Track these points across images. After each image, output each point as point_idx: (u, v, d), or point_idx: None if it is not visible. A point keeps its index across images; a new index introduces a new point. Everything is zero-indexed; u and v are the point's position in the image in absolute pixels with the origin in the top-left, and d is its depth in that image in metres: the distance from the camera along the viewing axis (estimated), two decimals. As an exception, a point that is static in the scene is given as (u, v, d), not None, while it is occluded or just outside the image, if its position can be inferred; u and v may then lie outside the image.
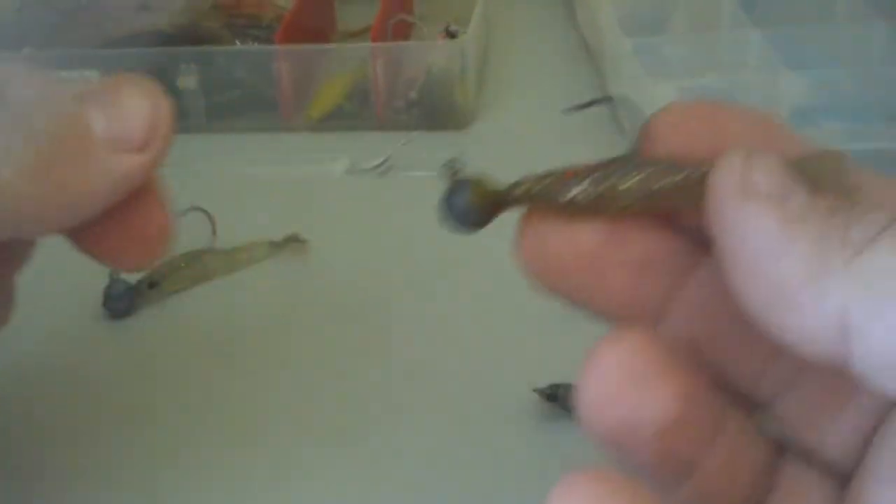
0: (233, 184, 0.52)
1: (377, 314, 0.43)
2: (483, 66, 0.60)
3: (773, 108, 0.49)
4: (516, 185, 0.22)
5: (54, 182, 0.25)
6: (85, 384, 0.40)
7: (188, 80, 0.55)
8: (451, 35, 0.57)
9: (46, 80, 0.26)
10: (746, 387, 0.22)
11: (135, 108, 0.26)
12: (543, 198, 0.22)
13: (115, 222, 0.27)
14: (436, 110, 0.55)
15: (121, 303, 0.42)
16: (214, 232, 0.45)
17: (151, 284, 0.43)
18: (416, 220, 0.49)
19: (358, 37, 0.61)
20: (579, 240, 0.21)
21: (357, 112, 0.56)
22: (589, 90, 0.58)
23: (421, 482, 0.35)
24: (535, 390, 0.37)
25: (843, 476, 0.21)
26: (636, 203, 0.21)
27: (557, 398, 0.37)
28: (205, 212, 0.45)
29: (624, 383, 0.19)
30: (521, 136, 0.54)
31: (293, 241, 0.46)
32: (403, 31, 0.59)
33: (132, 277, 0.43)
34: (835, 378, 0.19)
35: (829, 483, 0.21)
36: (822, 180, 0.19)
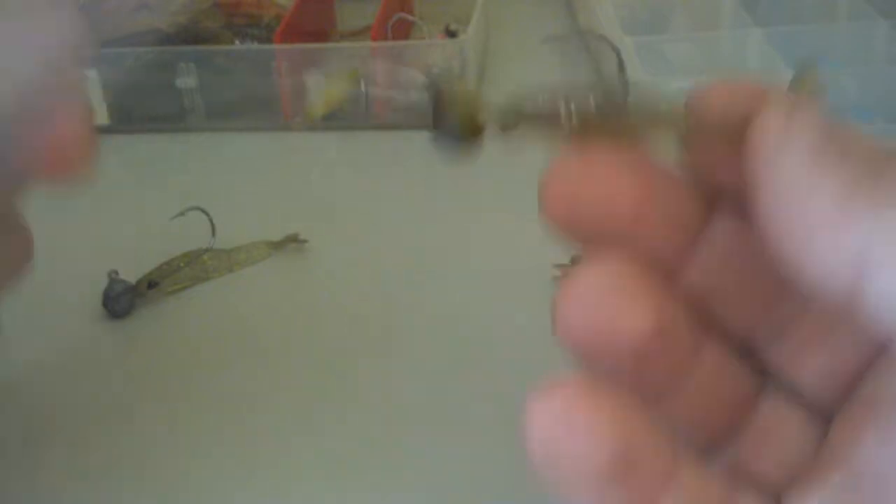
0: (233, 184, 0.52)
1: (376, 314, 0.43)
2: (483, 66, 0.60)
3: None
4: (509, 109, 0.22)
5: None
6: (85, 384, 0.40)
7: (187, 80, 0.55)
8: (451, 34, 0.57)
9: None
10: (741, 334, 0.22)
11: (46, 15, 0.26)
12: (534, 119, 0.22)
13: (27, 132, 0.26)
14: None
15: (120, 303, 0.42)
16: (214, 232, 0.44)
17: (151, 284, 0.43)
18: (417, 221, 0.49)
19: (358, 36, 0.61)
20: (618, 200, 0.21)
21: (357, 111, 0.56)
22: (589, 90, 0.58)
23: (421, 481, 0.35)
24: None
25: (821, 413, 0.22)
26: (624, 131, 0.21)
27: (558, 398, 0.36)
28: (204, 212, 0.45)
29: (602, 296, 0.20)
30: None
31: (293, 241, 0.46)
32: (403, 31, 0.59)
33: (132, 277, 0.43)
34: (825, 325, 0.20)
35: (806, 418, 0.22)
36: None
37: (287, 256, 0.46)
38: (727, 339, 0.22)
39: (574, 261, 0.43)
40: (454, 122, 0.23)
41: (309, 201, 0.50)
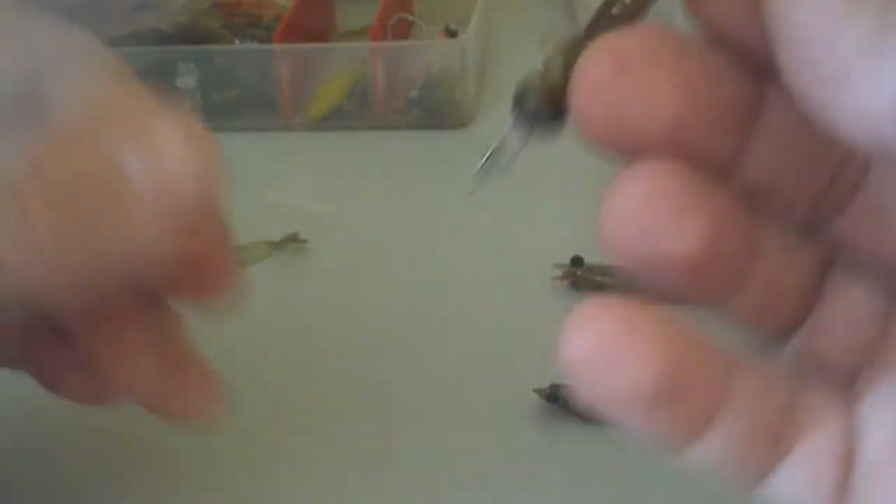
0: (233, 184, 0.52)
1: (376, 314, 0.43)
2: (483, 66, 0.60)
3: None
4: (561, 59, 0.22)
5: (68, 252, 0.22)
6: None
7: (187, 79, 0.55)
8: (451, 34, 0.57)
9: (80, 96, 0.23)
10: (803, 213, 0.21)
11: (180, 160, 0.24)
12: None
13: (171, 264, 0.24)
14: (436, 109, 0.55)
15: (120, 303, 0.42)
16: (214, 232, 0.44)
17: (151, 284, 0.43)
18: (416, 222, 0.49)
19: (358, 36, 0.61)
20: (661, 109, 0.19)
21: (357, 111, 0.56)
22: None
23: (420, 482, 0.35)
24: (535, 391, 0.37)
25: (891, 288, 0.20)
26: None
27: (558, 399, 0.36)
28: (204, 211, 0.45)
29: (648, 211, 0.18)
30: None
31: (293, 241, 0.46)
32: (403, 31, 0.59)
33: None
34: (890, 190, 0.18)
35: (876, 295, 0.21)
36: None
37: (287, 256, 0.46)
38: (786, 223, 0.21)
39: (574, 261, 0.43)
40: (537, 111, 0.22)
41: (309, 201, 0.50)
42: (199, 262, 0.26)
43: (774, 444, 0.19)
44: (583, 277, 0.42)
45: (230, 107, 0.56)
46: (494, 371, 0.39)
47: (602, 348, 0.18)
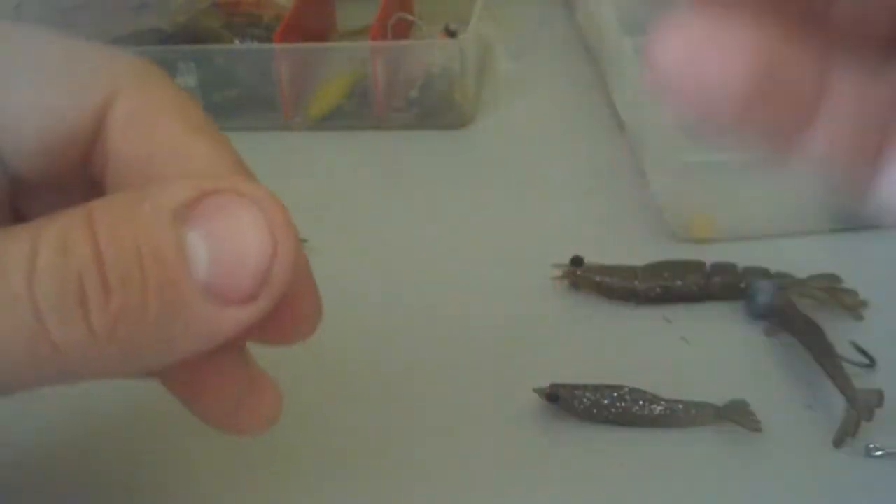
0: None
1: (376, 313, 0.43)
2: (483, 66, 0.60)
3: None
4: None
5: (125, 343, 0.21)
6: (86, 388, 0.40)
7: (187, 79, 0.55)
8: (451, 34, 0.57)
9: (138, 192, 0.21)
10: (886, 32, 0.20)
11: (248, 243, 0.22)
12: None
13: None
14: (435, 109, 0.55)
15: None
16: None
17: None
18: (417, 221, 0.49)
19: (358, 36, 0.61)
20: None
21: (357, 111, 0.56)
22: (589, 90, 0.58)
23: (420, 482, 0.35)
24: (535, 390, 0.37)
25: None
26: None
27: (558, 398, 0.36)
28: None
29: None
30: (521, 135, 0.54)
31: (293, 241, 0.46)
32: (403, 31, 0.59)
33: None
34: None
35: None
36: None
37: (287, 256, 0.46)
38: (867, 42, 0.19)
39: (574, 261, 0.43)
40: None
41: (309, 201, 0.50)
42: (279, 319, 0.25)
43: (881, 139, 0.19)
44: (583, 277, 0.42)
45: (230, 107, 0.56)
46: (494, 371, 0.39)
47: (690, 51, 0.17)
